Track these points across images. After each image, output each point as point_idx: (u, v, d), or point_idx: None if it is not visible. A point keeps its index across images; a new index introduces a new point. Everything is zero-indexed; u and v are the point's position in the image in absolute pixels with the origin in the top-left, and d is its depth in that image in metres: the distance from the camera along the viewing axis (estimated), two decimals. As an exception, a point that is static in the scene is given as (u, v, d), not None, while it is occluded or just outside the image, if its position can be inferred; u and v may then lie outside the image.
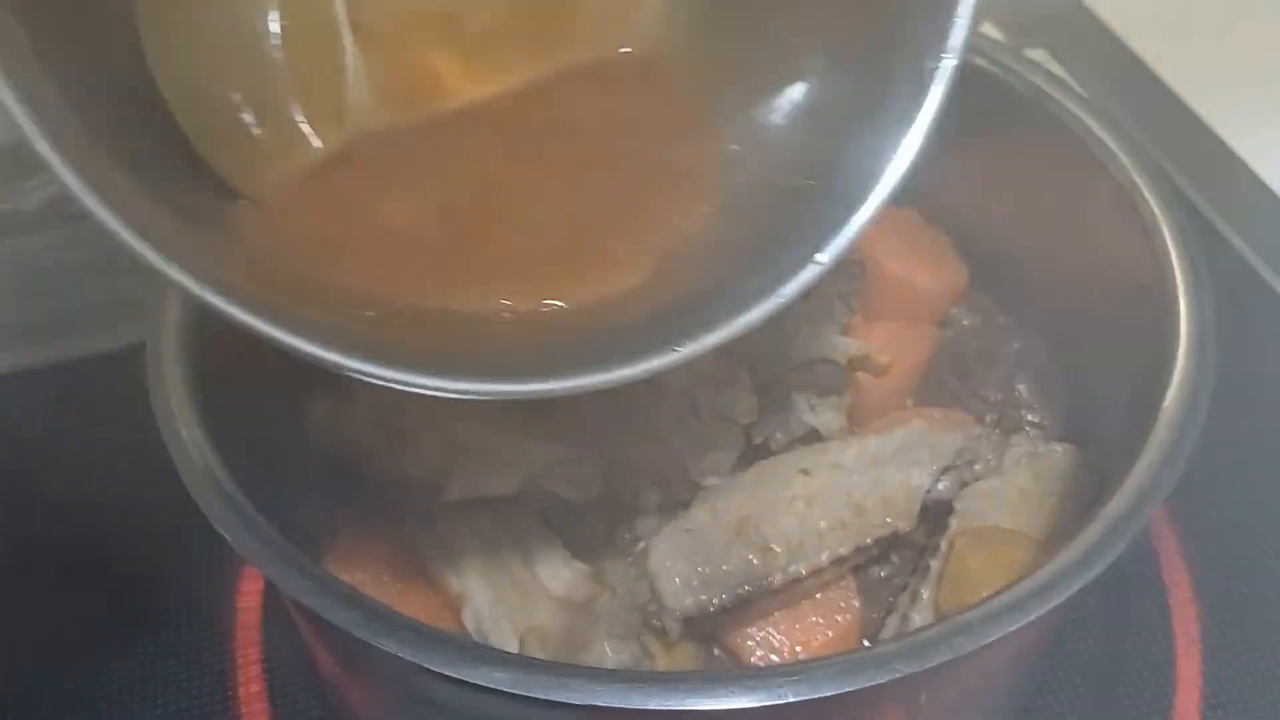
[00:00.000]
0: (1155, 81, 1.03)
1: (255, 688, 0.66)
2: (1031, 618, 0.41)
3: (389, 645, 0.41)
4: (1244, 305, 0.85)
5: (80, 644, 0.68)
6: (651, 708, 0.39)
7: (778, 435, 0.63)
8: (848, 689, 0.39)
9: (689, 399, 0.61)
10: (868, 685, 0.39)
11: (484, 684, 0.39)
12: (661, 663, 0.55)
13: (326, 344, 0.40)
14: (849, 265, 0.66)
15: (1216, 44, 1.07)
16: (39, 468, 0.75)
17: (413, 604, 0.59)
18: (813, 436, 0.63)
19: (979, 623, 0.41)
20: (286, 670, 0.66)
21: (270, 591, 0.69)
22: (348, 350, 0.40)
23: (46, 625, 0.67)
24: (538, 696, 0.38)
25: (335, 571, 0.58)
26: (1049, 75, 0.64)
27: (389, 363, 0.41)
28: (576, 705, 0.39)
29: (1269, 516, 0.72)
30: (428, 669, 0.40)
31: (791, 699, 0.39)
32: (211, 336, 0.55)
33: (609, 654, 0.51)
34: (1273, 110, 1.01)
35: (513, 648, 0.52)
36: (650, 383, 0.62)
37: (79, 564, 0.70)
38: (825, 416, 0.62)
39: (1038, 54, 1.04)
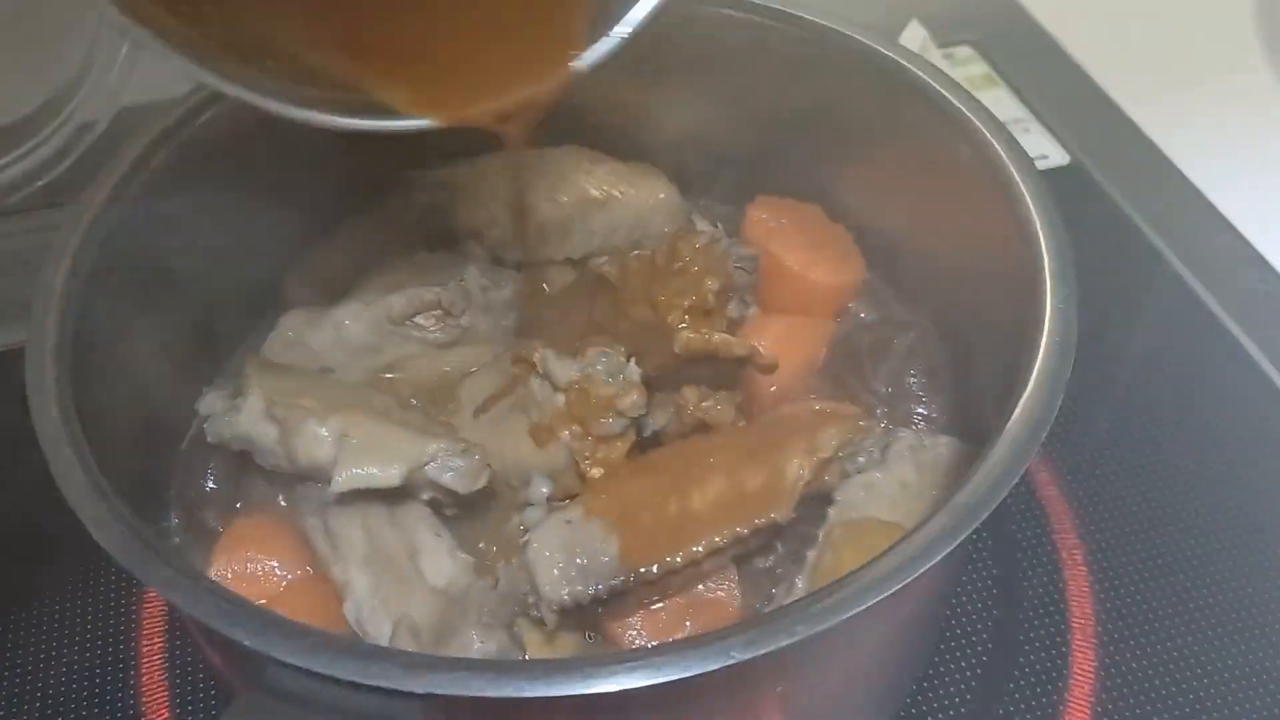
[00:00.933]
0: (1083, 78, 1.04)
1: (158, 676, 0.67)
2: (867, 604, 0.42)
3: (235, 633, 0.42)
4: (1159, 299, 0.87)
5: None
6: (488, 695, 0.40)
7: (668, 429, 0.64)
8: (677, 676, 0.40)
9: (579, 392, 0.62)
10: (693, 674, 0.40)
11: (291, 661, 0.40)
12: (536, 653, 0.55)
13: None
14: (745, 260, 0.67)
15: (1144, 41, 1.08)
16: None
17: (300, 595, 0.60)
18: (703, 429, 0.63)
19: (821, 608, 0.42)
20: (189, 663, 0.67)
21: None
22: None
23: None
24: (341, 678, 0.39)
25: (225, 561, 0.59)
26: (936, 71, 0.65)
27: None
28: (383, 689, 0.40)
29: (1163, 500, 0.73)
30: (272, 656, 0.41)
31: (629, 686, 0.40)
32: (94, 335, 0.56)
33: (476, 643, 0.52)
34: (1199, 107, 1.02)
35: (385, 636, 0.53)
36: (543, 377, 0.63)
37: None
38: (716, 410, 0.63)
39: (963, 51, 1.05)
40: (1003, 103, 1.00)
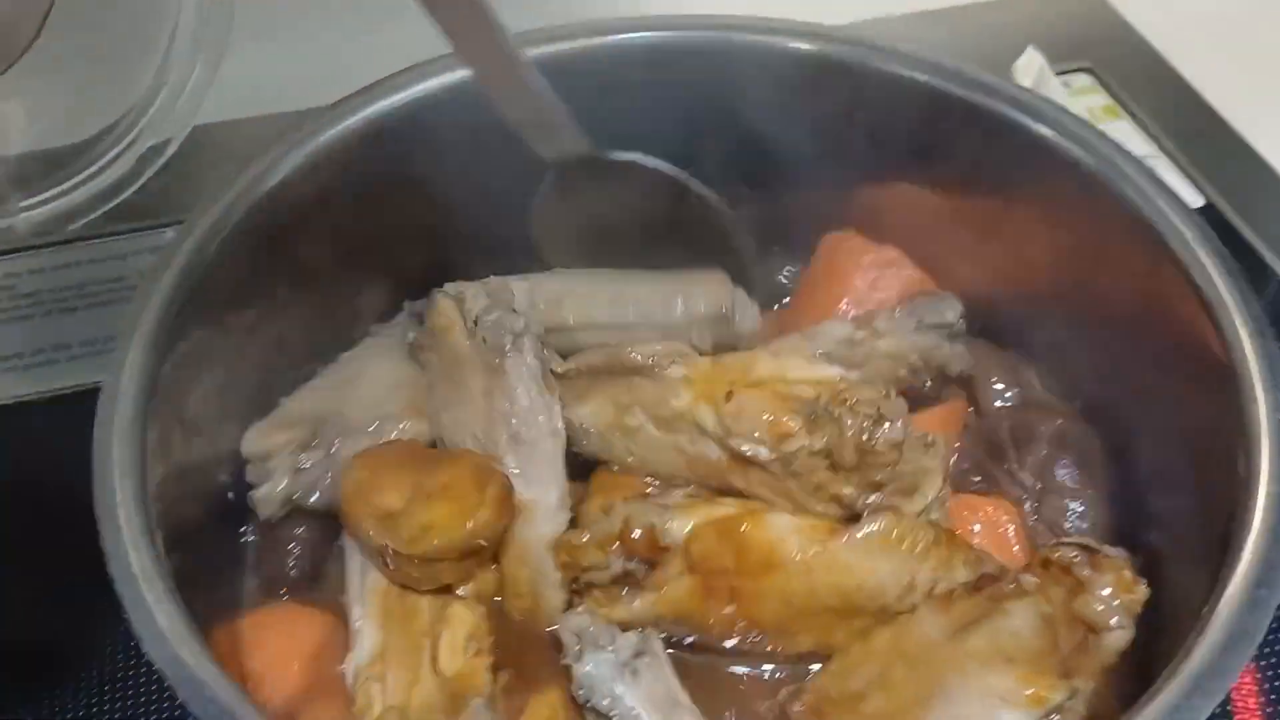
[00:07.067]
0: (1200, 103, 0.96)
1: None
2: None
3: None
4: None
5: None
6: None
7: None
8: None
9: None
10: None
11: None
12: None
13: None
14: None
15: (1263, 65, 1.01)
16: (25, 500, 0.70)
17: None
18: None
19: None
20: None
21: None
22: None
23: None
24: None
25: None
26: (1110, 142, 0.58)
27: None
28: None
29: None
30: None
31: None
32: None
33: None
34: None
35: (373, 713, 0.49)
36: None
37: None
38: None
39: (1081, 79, 0.98)
40: (1127, 137, 0.93)
